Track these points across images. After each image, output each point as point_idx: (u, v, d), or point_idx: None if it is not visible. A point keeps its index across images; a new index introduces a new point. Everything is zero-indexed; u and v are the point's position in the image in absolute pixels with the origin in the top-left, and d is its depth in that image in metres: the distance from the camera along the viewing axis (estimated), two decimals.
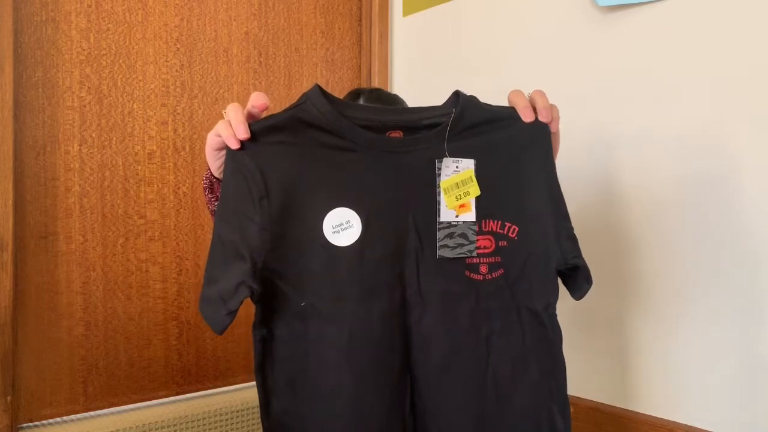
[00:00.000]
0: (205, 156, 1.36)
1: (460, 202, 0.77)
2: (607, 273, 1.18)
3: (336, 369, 0.76)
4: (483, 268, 0.78)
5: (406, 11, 1.61)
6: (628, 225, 1.16)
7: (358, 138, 0.76)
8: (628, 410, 1.16)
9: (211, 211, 0.91)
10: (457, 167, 0.77)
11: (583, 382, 1.22)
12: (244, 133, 0.72)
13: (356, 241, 0.75)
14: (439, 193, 0.77)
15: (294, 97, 1.50)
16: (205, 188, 0.90)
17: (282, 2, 1.48)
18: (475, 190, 0.77)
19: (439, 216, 0.77)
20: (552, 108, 0.80)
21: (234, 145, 0.73)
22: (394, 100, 1.09)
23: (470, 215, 0.77)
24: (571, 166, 1.22)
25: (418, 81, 1.59)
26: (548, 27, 1.28)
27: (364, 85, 1.62)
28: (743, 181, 1.01)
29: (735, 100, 1.02)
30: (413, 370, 0.78)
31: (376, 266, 0.76)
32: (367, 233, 0.76)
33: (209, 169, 0.82)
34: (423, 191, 0.78)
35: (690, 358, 1.08)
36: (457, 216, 0.77)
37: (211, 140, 0.77)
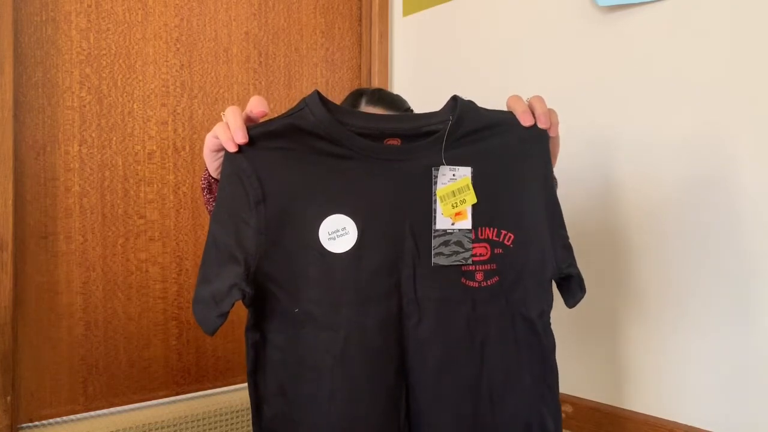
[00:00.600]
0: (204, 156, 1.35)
1: (456, 209, 0.77)
2: (608, 273, 1.18)
3: (331, 374, 0.76)
4: (479, 276, 0.78)
5: (406, 11, 1.61)
6: (628, 225, 1.16)
7: (356, 146, 0.76)
8: (628, 410, 1.16)
9: (209, 212, 0.90)
10: (454, 175, 0.77)
11: (583, 382, 1.22)
12: (242, 138, 0.72)
13: (352, 248, 0.75)
14: (435, 200, 0.77)
15: (294, 97, 1.50)
16: (203, 188, 0.90)
17: (282, 2, 1.48)
18: (471, 198, 0.77)
19: (434, 224, 0.77)
20: (551, 113, 0.80)
21: (232, 149, 0.73)
22: (396, 101, 1.08)
23: (466, 223, 0.77)
24: (569, 167, 1.22)
25: (418, 81, 1.59)
26: (548, 27, 1.28)
27: (365, 85, 1.62)
28: (742, 183, 1.01)
29: (735, 101, 1.02)
30: (408, 375, 0.78)
31: (373, 273, 0.76)
32: (363, 240, 0.76)
33: (207, 169, 0.82)
34: (420, 199, 0.77)
35: (690, 358, 1.08)
36: (453, 224, 0.77)
37: (209, 142, 0.76)
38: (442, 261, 0.77)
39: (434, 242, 0.77)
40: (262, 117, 0.75)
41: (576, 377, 1.23)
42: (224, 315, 0.73)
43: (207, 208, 0.91)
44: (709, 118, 1.05)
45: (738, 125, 1.02)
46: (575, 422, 1.21)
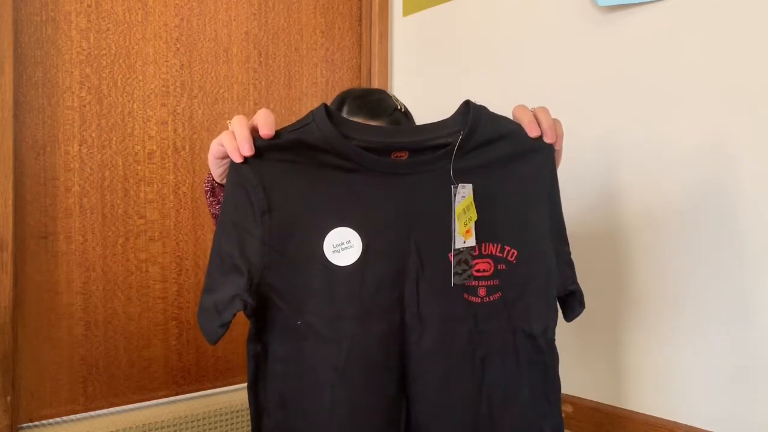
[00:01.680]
0: (205, 156, 1.36)
1: (467, 227, 0.76)
2: (608, 274, 1.18)
3: (331, 388, 0.76)
4: (481, 291, 0.78)
5: (406, 11, 1.61)
6: (628, 225, 1.16)
7: (362, 160, 0.76)
8: (628, 410, 1.16)
9: (212, 214, 0.90)
10: (463, 195, 0.77)
11: (583, 382, 1.22)
12: (248, 150, 0.72)
13: (356, 261, 0.75)
14: (454, 220, 0.76)
15: (294, 97, 1.50)
16: (206, 191, 0.89)
17: (282, 2, 1.48)
18: (474, 215, 0.77)
19: (454, 243, 0.76)
20: (556, 124, 0.79)
21: (237, 159, 0.73)
22: (379, 106, 1.03)
23: (472, 240, 0.77)
24: (568, 167, 1.22)
25: (418, 81, 1.59)
26: (548, 27, 1.28)
27: (365, 85, 1.62)
28: (742, 184, 1.01)
29: (736, 101, 1.02)
30: (409, 391, 0.78)
31: (376, 287, 0.76)
32: (368, 254, 0.76)
33: (211, 173, 0.82)
34: (425, 214, 0.77)
35: (690, 358, 1.08)
36: (464, 242, 0.77)
37: (214, 149, 0.76)
38: (457, 280, 0.77)
39: (453, 261, 0.76)
40: (269, 139, 0.75)
41: (576, 377, 1.23)
42: (226, 325, 0.73)
43: (210, 210, 0.91)
44: (709, 119, 1.05)
45: (738, 125, 1.02)
46: (575, 422, 1.21)
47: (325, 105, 0.77)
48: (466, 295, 0.78)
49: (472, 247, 0.77)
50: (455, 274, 0.76)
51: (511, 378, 0.79)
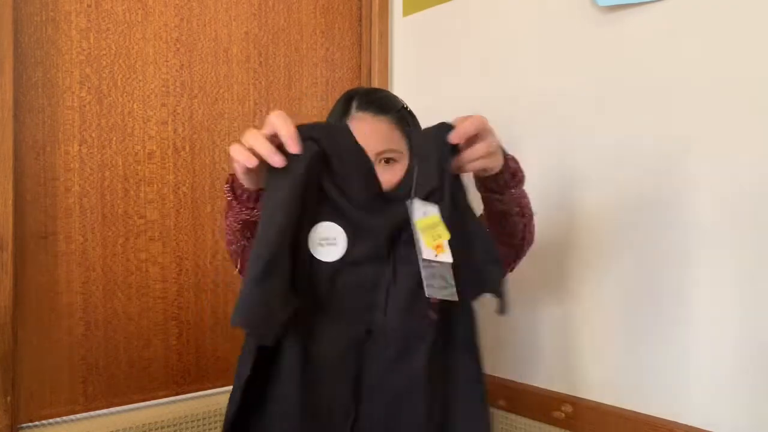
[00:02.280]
0: (204, 156, 1.36)
1: (436, 242, 0.77)
2: (608, 275, 1.18)
3: (290, 384, 0.77)
4: (435, 307, 0.80)
5: (406, 11, 1.61)
6: (628, 225, 1.16)
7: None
8: (628, 410, 1.16)
9: (241, 221, 0.87)
10: (424, 213, 0.78)
11: (583, 382, 1.22)
12: (280, 162, 0.70)
13: (336, 261, 0.77)
14: (416, 232, 0.78)
15: (294, 97, 1.50)
16: (229, 200, 0.86)
17: (282, 2, 1.48)
18: (445, 234, 0.78)
19: (420, 254, 0.77)
20: (473, 123, 0.77)
21: (278, 164, 0.70)
22: (387, 103, 1.03)
23: (447, 256, 0.77)
24: (569, 166, 1.22)
25: (418, 81, 1.59)
26: (548, 27, 1.28)
27: (365, 85, 1.62)
28: (741, 183, 1.01)
29: (736, 102, 1.02)
30: (363, 401, 0.80)
31: (348, 291, 0.78)
32: (347, 257, 0.77)
33: (232, 180, 0.82)
34: (406, 230, 0.78)
35: (690, 358, 1.08)
36: (436, 255, 0.78)
37: (240, 156, 0.72)
38: (435, 293, 0.77)
39: (423, 273, 0.77)
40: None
41: (576, 377, 1.23)
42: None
43: (236, 218, 0.87)
44: (709, 119, 1.05)
45: (738, 125, 1.02)
46: (575, 422, 1.21)
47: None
48: (430, 313, 0.80)
49: (449, 264, 0.78)
50: (430, 286, 0.77)
51: (463, 392, 0.82)
